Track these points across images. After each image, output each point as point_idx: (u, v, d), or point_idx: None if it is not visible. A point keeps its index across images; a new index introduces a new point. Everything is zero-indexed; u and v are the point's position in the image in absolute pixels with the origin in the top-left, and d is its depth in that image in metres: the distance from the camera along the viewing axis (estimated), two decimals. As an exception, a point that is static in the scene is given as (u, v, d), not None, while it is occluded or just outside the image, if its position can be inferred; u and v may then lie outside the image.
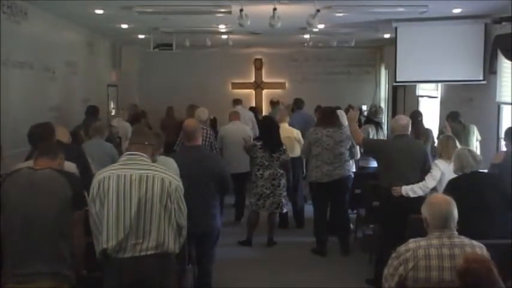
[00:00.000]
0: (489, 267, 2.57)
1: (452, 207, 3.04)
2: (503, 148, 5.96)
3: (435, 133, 7.59)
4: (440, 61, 7.80)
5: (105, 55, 10.75)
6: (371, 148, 5.72)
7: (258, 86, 13.92)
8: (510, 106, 6.90)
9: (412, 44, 7.98)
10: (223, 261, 5.35)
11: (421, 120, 7.43)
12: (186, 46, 10.59)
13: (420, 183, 4.95)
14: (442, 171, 4.88)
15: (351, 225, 6.62)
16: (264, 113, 11.90)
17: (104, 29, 9.31)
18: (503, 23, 6.93)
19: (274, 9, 6.48)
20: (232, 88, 13.69)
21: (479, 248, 2.98)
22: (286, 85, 13.73)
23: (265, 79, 13.91)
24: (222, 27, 9.12)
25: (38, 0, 6.54)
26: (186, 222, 3.35)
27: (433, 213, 3.03)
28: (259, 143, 6.40)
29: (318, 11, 6.44)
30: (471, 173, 4.33)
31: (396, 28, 8.07)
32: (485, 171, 5.11)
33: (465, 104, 8.02)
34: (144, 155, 3.26)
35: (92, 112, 7.74)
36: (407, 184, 4.95)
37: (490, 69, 7.37)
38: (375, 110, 7.26)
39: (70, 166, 3.95)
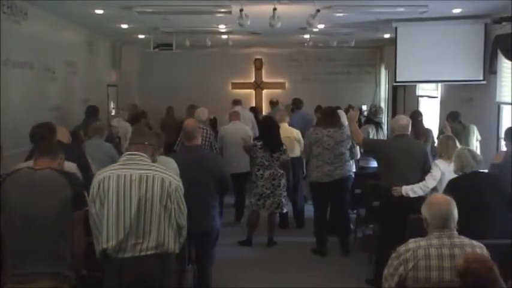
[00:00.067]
0: (489, 267, 2.57)
1: (453, 207, 3.04)
2: (503, 148, 5.96)
3: (435, 133, 7.58)
4: (440, 61, 7.79)
5: (105, 55, 10.74)
6: (371, 148, 5.72)
7: (258, 86, 13.91)
8: (510, 106, 6.90)
9: (412, 44, 7.97)
10: (223, 261, 5.35)
11: (421, 120, 7.43)
12: (186, 46, 10.58)
13: (420, 183, 4.94)
14: (442, 171, 4.88)
15: (351, 225, 6.62)
16: (264, 113, 11.88)
17: (104, 29, 9.31)
18: (503, 23, 6.93)
19: (274, 9, 6.48)
20: (232, 88, 13.68)
21: (479, 248, 2.98)
22: (286, 85, 13.72)
23: (265, 79, 13.89)
24: (222, 27, 9.12)
25: (38, 0, 6.54)
26: (186, 222, 3.35)
27: (433, 213, 3.03)
28: (259, 143, 6.40)
29: (318, 11, 6.44)
30: (471, 173, 4.33)
31: (396, 28, 8.06)
32: (485, 171, 5.10)
33: (465, 104, 8.02)
34: (144, 155, 3.26)
35: (92, 112, 7.73)
36: (407, 184, 4.95)
37: (490, 69, 7.37)
38: (375, 110, 7.26)
39: (70, 166, 3.96)
